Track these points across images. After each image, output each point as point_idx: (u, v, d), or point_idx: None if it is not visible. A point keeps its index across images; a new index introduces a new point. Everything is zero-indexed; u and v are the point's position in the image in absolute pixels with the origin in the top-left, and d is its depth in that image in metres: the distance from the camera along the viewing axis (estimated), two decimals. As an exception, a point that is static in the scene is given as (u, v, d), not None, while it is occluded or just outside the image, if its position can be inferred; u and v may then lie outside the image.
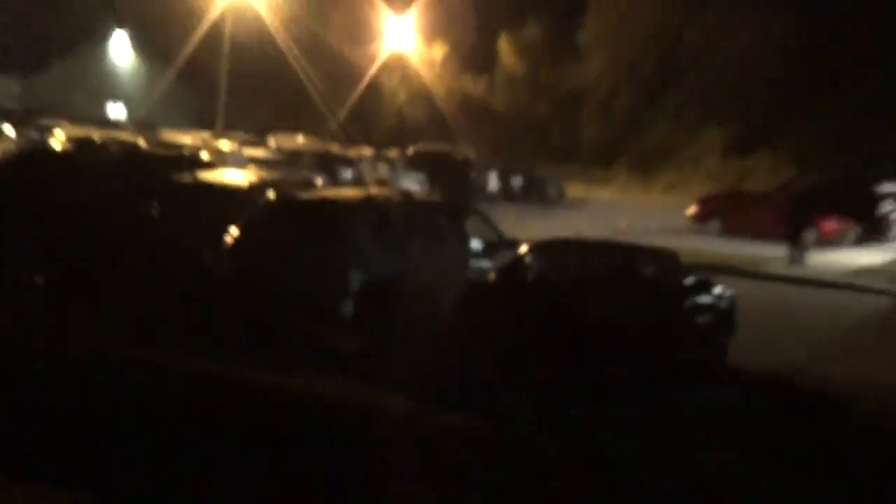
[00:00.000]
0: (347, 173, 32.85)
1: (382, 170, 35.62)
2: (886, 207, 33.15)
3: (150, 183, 15.63)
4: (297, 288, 12.41)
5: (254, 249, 12.77)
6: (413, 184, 33.23)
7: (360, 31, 60.61)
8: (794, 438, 10.44)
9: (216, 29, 49.99)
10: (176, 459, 8.07)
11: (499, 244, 15.26)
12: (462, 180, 35.44)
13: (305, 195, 14.00)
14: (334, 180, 29.45)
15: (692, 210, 33.26)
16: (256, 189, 15.21)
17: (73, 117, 46.80)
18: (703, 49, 62.91)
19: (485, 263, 14.39)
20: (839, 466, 9.49)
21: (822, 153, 53.41)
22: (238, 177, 16.92)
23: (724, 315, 13.99)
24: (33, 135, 38.47)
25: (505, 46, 65.09)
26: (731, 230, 30.99)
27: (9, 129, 37.99)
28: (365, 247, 12.63)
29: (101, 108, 63.76)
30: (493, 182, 35.80)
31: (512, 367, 11.64)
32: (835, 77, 56.09)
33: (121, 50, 69.77)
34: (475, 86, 64.99)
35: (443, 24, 61.20)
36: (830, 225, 28.92)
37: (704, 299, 13.65)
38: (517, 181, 39.76)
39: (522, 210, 32.83)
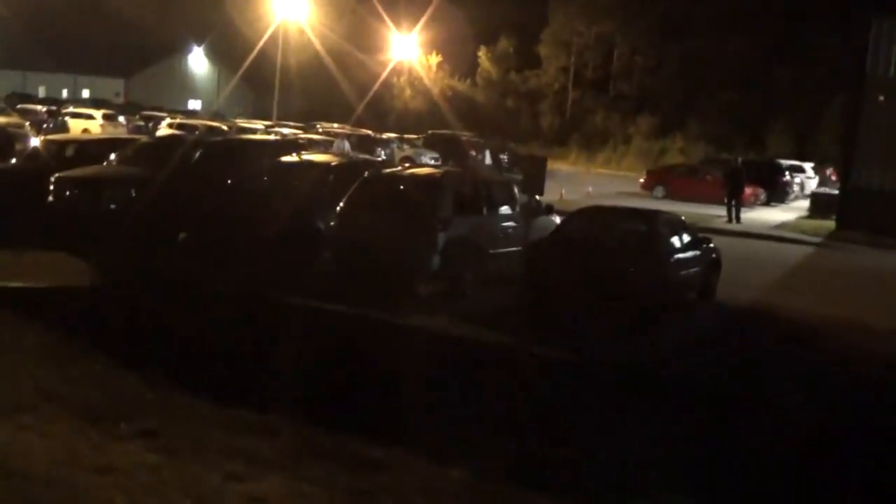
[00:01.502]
0: (381, 152, 31.47)
1: (406, 149, 34.26)
2: (785, 177, 32.63)
3: (262, 163, 14.43)
4: (395, 245, 11.37)
5: (359, 216, 11.69)
6: (429, 159, 32.02)
7: (376, 45, 59.74)
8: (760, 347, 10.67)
9: (270, 42, 48.59)
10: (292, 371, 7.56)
11: (538, 208, 14.27)
12: (465, 156, 34.14)
13: (399, 172, 12.82)
14: (373, 157, 28.04)
15: (642, 179, 32.41)
16: (343, 167, 14.02)
17: (164, 110, 45.23)
18: (628, 58, 62.25)
19: (530, 223, 13.36)
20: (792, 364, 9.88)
21: (718, 137, 53.03)
22: (325, 157, 15.70)
23: (715, 263, 13.29)
24: (139, 123, 36.92)
25: (483, 56, 64.79)
26: (672, 195, 30.19)
27: (122, 119, 36.43)
28: (447, 212, 11.58)
29: (184, 103, 62.04)
30: (487, 158, 34.48)
31: (564, 304, 10.80)
32: (730, 79, 55.55)
33: (198, 59, 68.39)
34: (461, 85, 64.54)
35: (438, 39, 60.73)
36: (748, 191, 28.12)
37: (702, 251, 12.89)
38: (505, 157, 38.44)
39: (512, 179, 31.73)
